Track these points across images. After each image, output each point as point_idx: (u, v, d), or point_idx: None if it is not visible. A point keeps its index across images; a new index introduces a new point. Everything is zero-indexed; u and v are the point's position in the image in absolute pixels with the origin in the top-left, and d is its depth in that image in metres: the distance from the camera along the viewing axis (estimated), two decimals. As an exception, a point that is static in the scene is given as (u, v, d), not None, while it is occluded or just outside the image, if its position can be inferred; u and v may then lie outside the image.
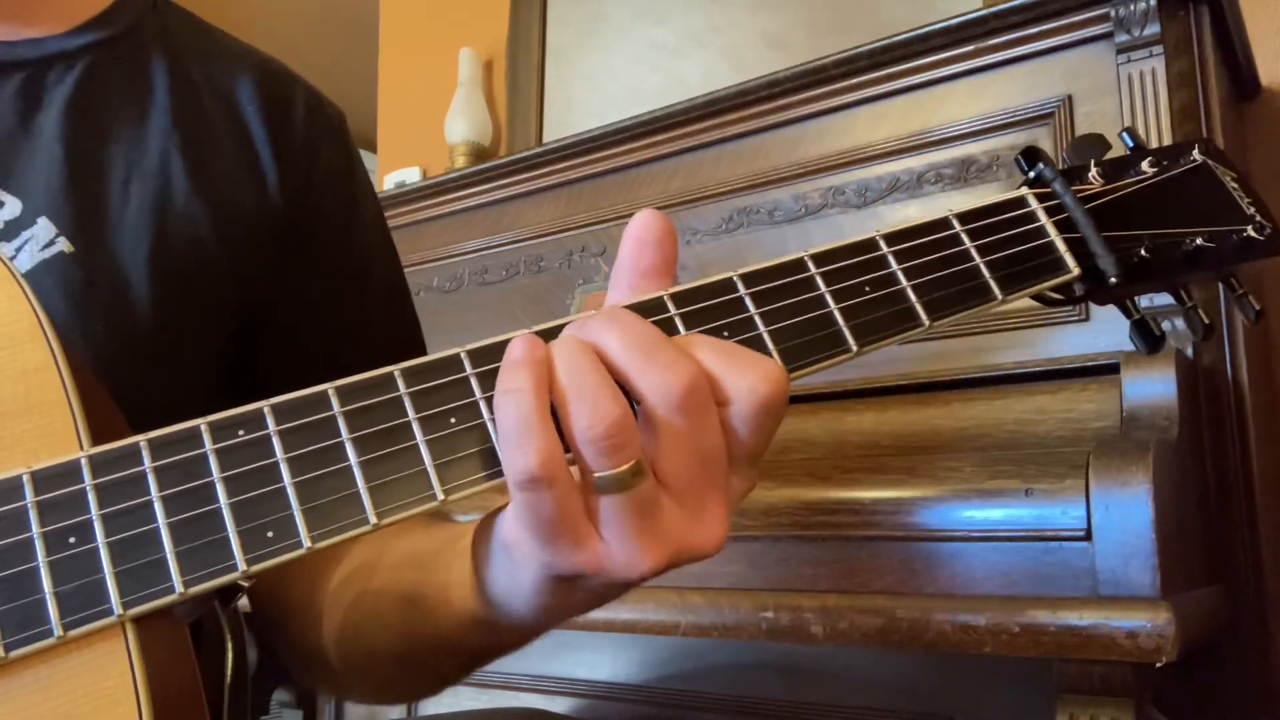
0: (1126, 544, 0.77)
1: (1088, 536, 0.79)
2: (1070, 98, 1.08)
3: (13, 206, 0.57)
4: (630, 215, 1.50)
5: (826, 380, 1.13)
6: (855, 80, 1.21)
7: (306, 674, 0.66)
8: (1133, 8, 1.02)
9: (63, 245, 0.57)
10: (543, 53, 1.95)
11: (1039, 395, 0.98)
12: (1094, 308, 1.03)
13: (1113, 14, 1.03)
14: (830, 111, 1.23)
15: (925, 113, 1.17)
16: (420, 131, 2.21)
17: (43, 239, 0.56)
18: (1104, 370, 0.96)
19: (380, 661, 0.56)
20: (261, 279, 0.65)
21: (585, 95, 1.88)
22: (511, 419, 0.38)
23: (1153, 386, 0.90)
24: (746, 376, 0.39)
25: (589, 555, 0.39)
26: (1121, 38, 1.03)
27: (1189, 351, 0.97)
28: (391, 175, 2.17)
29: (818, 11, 1.60)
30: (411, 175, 2.12)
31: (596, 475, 0.38)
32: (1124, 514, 0.77)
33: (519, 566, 0.42)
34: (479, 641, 0.50)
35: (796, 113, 1.25)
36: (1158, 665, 0.73)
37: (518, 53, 1.98)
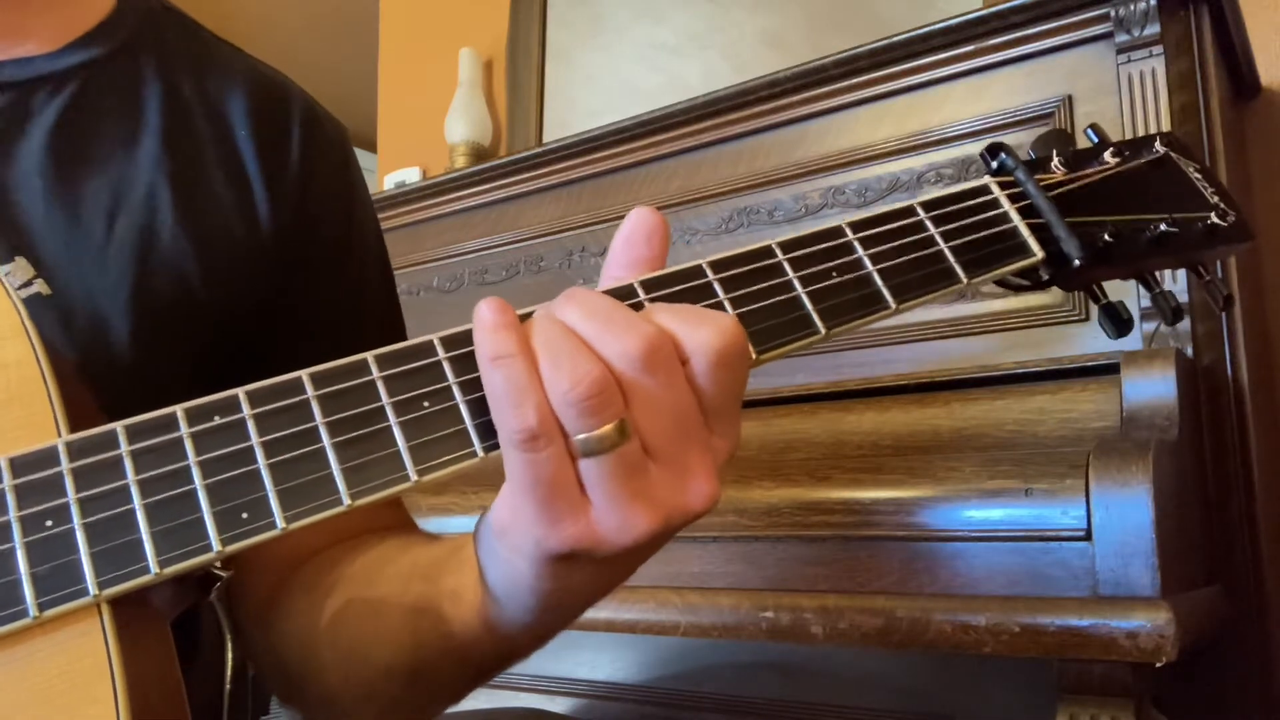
0: (1126, 544, 0.77)
1: (1088, 536, 0.79)
2: (1070, 98, 1.08)
3: None
4: (630, 215, 1.48)
5: (826, 380, 1.13)
6: (855, 80, 1.21)
7: (299, 705, 0.64)
8: (1133, 8, 1.02)
9: (39, 287, 0.55)
10: (543, 53, 1.95)
11: (1039, 395, 0.98)
12: (1094, 308, 1.03)
13: (1113, 14, 1.03)
14: (830, 111, 1.23)
15: (925, 113, 1.17)
16: (420, 131, 2.21)
17: (19, 279, 0.55)
18: (1104, 370, 0.96)
19: (388, 682, 0.55)
20: (250, 311, 0.63)
21: (585, 95, 1.88)
22: (504, 381, 0.39)
23: (1153, 386, 0.90)
24: (700, 331, 0.40)
25: (583, 525, 0.40)
26: (1121, 38, 1.03)
27: (1189, 351, 0.97)
28: (391, 175, 2.17)
29: (817, 11, 1.60)
30: (411, 175, 2.12)
31: (580, 439, 0.39)
32: (1124, 514, 0.77)
33: (516, 552, 0.42)
34: (489, 647, 0.49)
35: (796, 113, 1.25)
36: (1158, 665, 0.73)
37: (518, 53, 1.98)
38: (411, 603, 0.53)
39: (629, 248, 0.45)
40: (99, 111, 0.61)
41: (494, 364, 0.39)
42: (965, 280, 0.49)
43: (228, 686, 0.65)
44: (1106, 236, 0.52)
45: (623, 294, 0.44)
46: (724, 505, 0.94)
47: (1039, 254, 0.51)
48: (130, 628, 0.40)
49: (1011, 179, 0.54)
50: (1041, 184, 0.54)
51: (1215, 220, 0.56)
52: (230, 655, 0.65)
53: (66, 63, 0.60)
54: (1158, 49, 1.02)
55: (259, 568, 0.62)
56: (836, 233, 0.48)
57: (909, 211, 0.50)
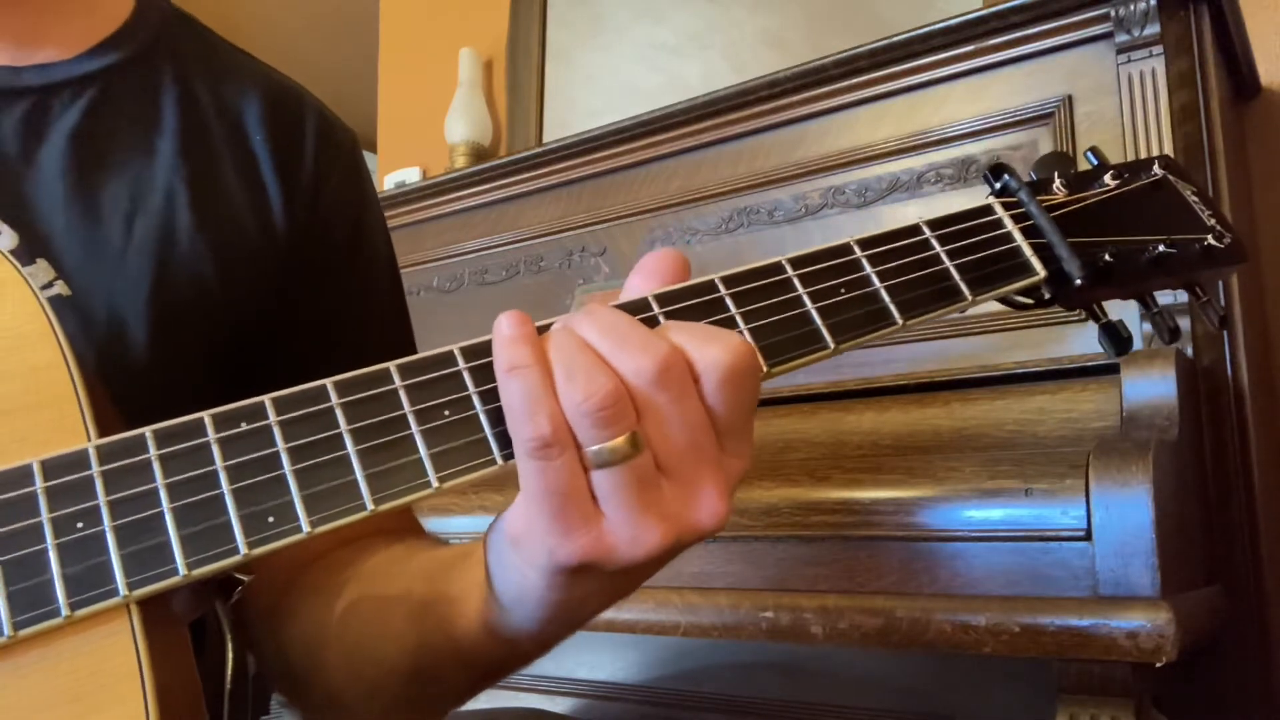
0: (1126, 544, 0.77)
1: (1087, 536, 0.79)
2: (1070, 98, 1.08)
3: (9, 239, 0.56)
4: (630, 215, 1.50)
5: (826, 380, 1.13)
6: (855, 80, 1.21)
7: (304, 705, 0.64)
8: (1133, 8, 1.02)
9: (59, 289, 0.56)
10: (543, 53, 1.95)
11: (1039, 395, 0.98)
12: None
13: (1113, 14, 1.03)
14: (830, 111, 1.23)
15: (925, 113, 1.17)
16: (420, 131, 2.21)
17: (40, 280, 0.55)
18: (1104, 370, 0.96)
19: (391, 681, 0.55)
20: (263, 312, 0.64)
21: (585, 95, 1.88)
22: (519, 391, 0.40)
23: (1153, 386, 0.91)
24: (711, 350, 0.41)
25: (595, 536, 0.40)
26: (1121, 38, 1.03)
27: (1189, 351, 0.97)
28: (391, 175, 2.17)
29: (817, 11, 1.60)
30: (411, 175, 2.12)
31: (593, 450, 0.39)
32: (1124, 514, 0.77)
33: (528, 562, 0.42)
34: (492, 652, 0.50)
35: (796, 113, 1.25)
36: (1158, 665, 0.73)
37: (518, 53, 1.98)
38: (417, 603, 0.54)
39: (655, 260, 0.46)
40: (118, 116, 0.61)
41: (510, 374, 0.41)
42: (970, 298, 0.50)
43: (228, 686, 0.65)
44: (1107, 256, 0.53)
45: (638, 307, 0.45)
46: (724, 505, 0.94)
47: (1041, 273, 0.53)
48: (156, 629, 0.40)
49: (1014, 199, 0.55)
50: (1043, 205, 0.55)
51: (1211, 242, 0.57)
52: (231, 655, 0.65)
53: (86, 68, 0.61)
54: (1158, 49, 1.02)
55: (268, 569, 0.62)
56: (845, 250, 0.49)
57: (915, 230, 0.51)
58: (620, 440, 0.39)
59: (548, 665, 1.29)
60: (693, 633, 0.94)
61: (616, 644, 1.25)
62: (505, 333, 0.41)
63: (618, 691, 1.25)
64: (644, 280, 0.46)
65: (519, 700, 1.29)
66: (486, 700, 1.30)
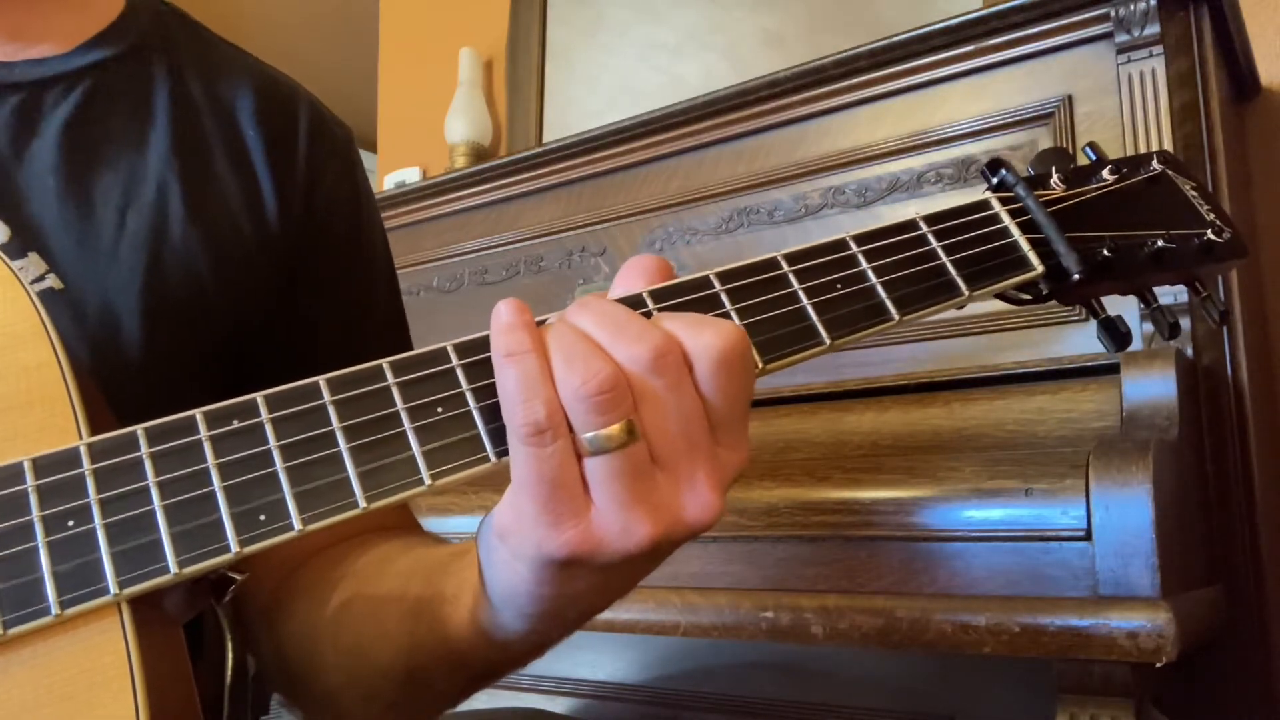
0: (1126, 544, 0.77)
1: (1087, 536, 0.79)
2: (1070, 98, 1.08)
3: (1, 233, 0.56)
4: (630, 215, 1.50)
5: (826, 380, 1.13)
6: (855, 80, 1.21)
7: (302, 704, 0.64)
8: (1133, 8, 1.02)
9: (52, 282, 0.56)
10: (543, 53, 1.95)
11: (1039, 395, 0.98)
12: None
13: (1113, 14, 1.03)
14: (830, 111, 1.23)
15: (925, 113, 1.17)
16: (420, 131, 2.21)
17: (32, 274, 0.55)
18: (1104, 370, 0.96)
19: (386, 684, 0.55)
20: (258, 309, 0.63)
21: (585, 95, 1.88)
22: (516, 377, 0.40)
23: (1153, 386, 0.90)
24: (703, 335, 0.41)
25: (584, 528, 0.40)
26: (1121, 38, 1.03)
27: (1189, 351, 0.97)
28: (391, 175, 2.17)
29: (817, 11, 1.60)
30: (411, 175, 2.12)
31: (589, 436, 0.39)
32: (1124, 514, 0.77)
33: (516, 556, 0.42)
34: (483, 653, 0.49)
35: (796, 113, 1.25)
36: (1157, 665, 0.73)
37: (518, 53, 1.98)
38: (412, 603, 0.53)
39: (639, 261, 0.46)
40: (110, 111, 0.61)
41: (508, 360, 0.40)
42: (967, 293, 0.50)
43: (228, 685, 0.65)
44: (1105, 252, 0.53)
45: (633, 303, 0.45)
46: (724, 505, 0.94)
47: (1039, 268, 0.52)
48: (148, 628, 0.40)
49: (1012, 194, 0.55)
50: (1041, 200, 0.54)
51: (1211, 237, 0.57)
52: (230, 654, 0.65)
53: (78, 63, 0.61)
54: (1158, 49, 1.02)
55: (262, 567, 0.62)
56: (841, 245, 0.49)
57: (912, 225, 0.51)
58: (616, 428, 0.39)
59: (548, 665, 1.29)
60: (693, 633, 0.94)
61: (616, 644, 1.25)
62: (504, 319, 0.41)
63: (618, 691, 1.25)
64: (629, 284, 0.46)
65: (519, 700, 1.28)
66: (486, 700, 1.30)
